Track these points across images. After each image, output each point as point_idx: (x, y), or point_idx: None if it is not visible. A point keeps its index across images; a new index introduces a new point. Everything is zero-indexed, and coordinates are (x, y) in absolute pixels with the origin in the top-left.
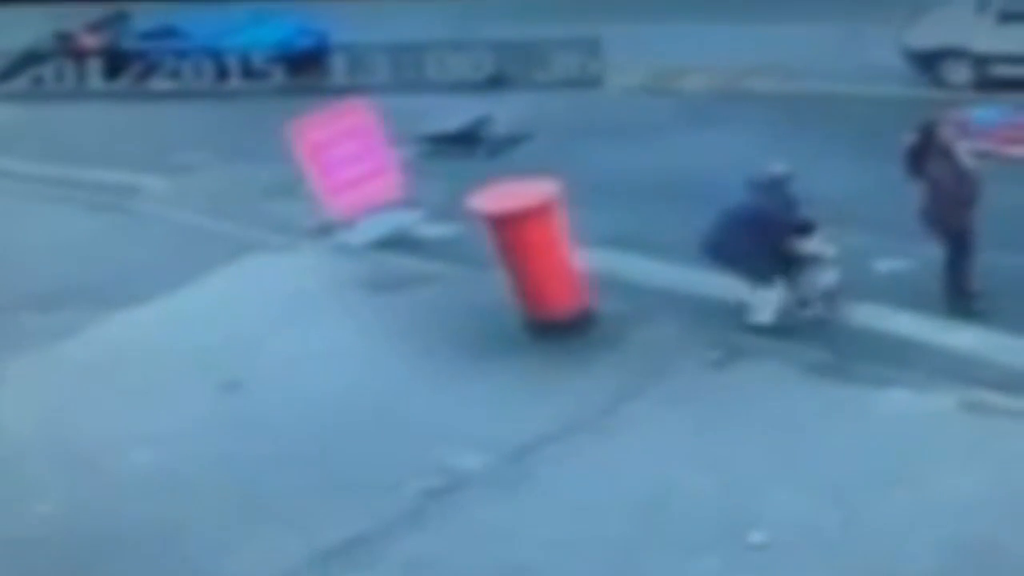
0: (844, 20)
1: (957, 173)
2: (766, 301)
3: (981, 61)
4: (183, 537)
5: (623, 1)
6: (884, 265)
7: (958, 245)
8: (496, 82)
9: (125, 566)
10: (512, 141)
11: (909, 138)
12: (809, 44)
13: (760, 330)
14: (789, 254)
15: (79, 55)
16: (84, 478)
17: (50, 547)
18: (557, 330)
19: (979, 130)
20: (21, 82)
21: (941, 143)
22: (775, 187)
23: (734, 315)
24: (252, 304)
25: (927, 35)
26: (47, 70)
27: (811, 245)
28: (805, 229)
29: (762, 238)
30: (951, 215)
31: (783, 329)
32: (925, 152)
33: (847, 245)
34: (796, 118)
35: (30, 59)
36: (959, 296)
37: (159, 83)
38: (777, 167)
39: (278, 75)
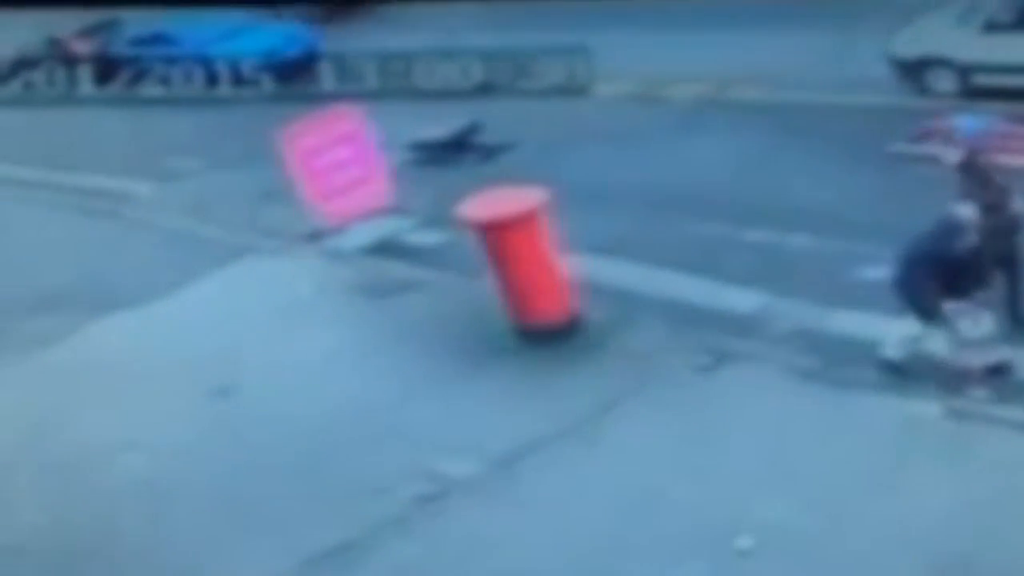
0: (830, 30)
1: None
2: (900, 336)
3: (966, 70)
4: (171, 544)
5: (611, 10)
6: (870, 273)
7: (1008, 271)
8: (485, 90)
9: (111, 573)
10: (501, 149)
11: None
12: (796, 54)
13: (883, 366)
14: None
15: (70, 61)
16: (72, 486)
17: (37, 555)
18: (545, 336)
19: (964, 139)
20: (12, 87)
21: (981, 171)
22: (942, 224)
23: (721, 321)
24: (241, 310)
25: (912, 44)
26: (38, 76)
27: (950, 308)
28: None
29: (912, 272)
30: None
31: (901, 369)
32: (967, 177)
33: (832, 252)
34: (783, 127)
35: (21, 65)
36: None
37: (149, 89)
38: (960, 210)
39: (267, 82)
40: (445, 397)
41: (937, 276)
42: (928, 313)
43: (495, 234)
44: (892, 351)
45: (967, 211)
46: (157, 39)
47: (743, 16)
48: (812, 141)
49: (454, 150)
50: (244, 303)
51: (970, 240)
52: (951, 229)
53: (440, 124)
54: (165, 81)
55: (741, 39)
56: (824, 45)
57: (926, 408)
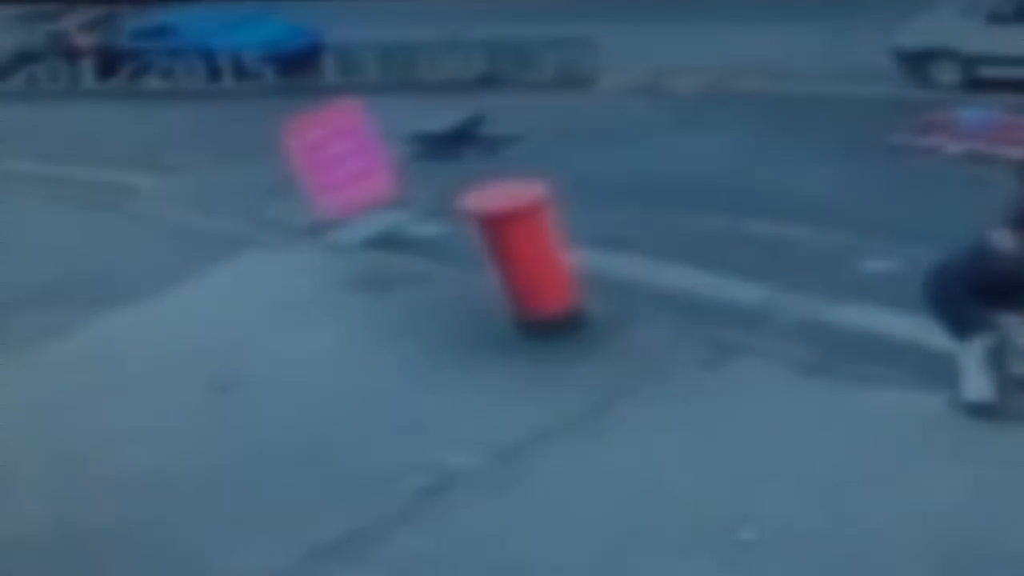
0: (833, 20)
1: None
2: (969, 372)
3: (970, 62)
4: (174, 536)
5: (614, 1)
6: (872, 265)
7: None
8: (487, 82)
9: (116, 566)
10: (503, 141)
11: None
12: (797, 44)
13: (972, 409)
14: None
15: (72, 55)
16: (74, 478)
17: (39, 547)
18: (548, 330)
19: (967, 131)
20: (15, 81)
21: None
22: (977, 247)
23: (725, 314)
24: (244, 303)
25: (916, 35)
26: (41, 70)
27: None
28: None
29: (945, 289)
30: None
31: (993, 407)
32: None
33: (835, 245)
34: (784, 119)
35: (24, 59)
36: None
37: (152, 82)
38: (995, 237)
39: (270, 75)
40: (448, 390)
41: (974, 294)
42: (965, 330)
43: (497, 227)
44: (974, 392)
45: (1004, 239)
46: (159, 31)
47: (744, 6)
48: (814, 133)
49: (457, 143)
50: (246, 297)
51: (1006, 264)
52: (985, 253)
53: (443, 116)
54: (167, 74)
55: (743, 29)
56: (826, 35)
57: (929, 401)
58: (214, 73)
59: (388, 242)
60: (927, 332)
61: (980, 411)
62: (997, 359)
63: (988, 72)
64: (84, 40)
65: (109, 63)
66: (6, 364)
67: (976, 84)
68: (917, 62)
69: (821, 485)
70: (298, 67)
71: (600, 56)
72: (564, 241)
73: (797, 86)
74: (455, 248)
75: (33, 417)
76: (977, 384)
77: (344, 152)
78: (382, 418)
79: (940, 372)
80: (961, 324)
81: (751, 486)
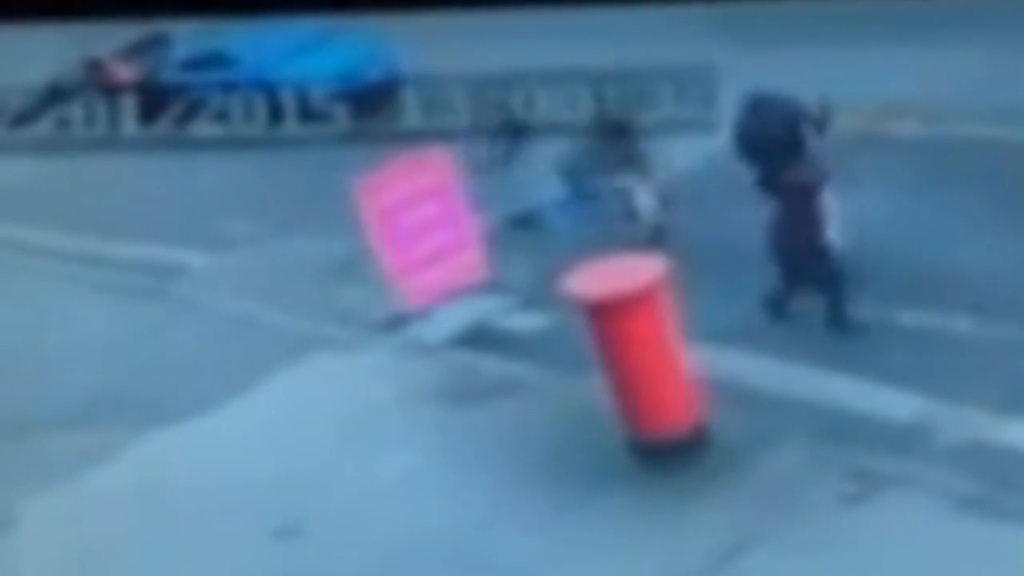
0: (1003, 44)
1: None
2: None
3: None
4: None
5: (745, 17)
6: None
7: None
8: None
9: None
10: None
11: None
12: (968, 74)
13: None
14: None
15: (111, 90)
16: None
17: None
18: (665, 454)
19: None
20: (42, 126)
21: None
22: None
23: (871, 433)
24: (312, 422)
25: None
26: (74, 110)
27: None
28: None
29: None
30: None
31: None
32: None
33: (1005, 341)
34: (946, 172)
35: (53, 95)
36: None
37: (203, 128)
38: None
39: (342, 116)
40: (543, 531)
41: None
42: None
43: (604, 317)
44: None
45: None
46: (213, 60)
47: (896, 26)
48: (981, 191)
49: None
50: (315, 413)
51: None
52: None
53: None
54: (222, 116)
55: (896, 55)
56: (996, 62)
57: None
58: (276, 113)
59: (478, 339)
60: None
61: None
62: None
63: None
64: (124, 71)
65: (154, 101)
66: (36, 502)
67: None
68: None
69: None
70: (373, 104)
71: (727, 89)
72: (683, 335)
73: (961, 128)
74: (558, 344)
75: (67, 568)
76: None
77: (428, 220)
78: (471, 566)
79: None
80: None
81: None
